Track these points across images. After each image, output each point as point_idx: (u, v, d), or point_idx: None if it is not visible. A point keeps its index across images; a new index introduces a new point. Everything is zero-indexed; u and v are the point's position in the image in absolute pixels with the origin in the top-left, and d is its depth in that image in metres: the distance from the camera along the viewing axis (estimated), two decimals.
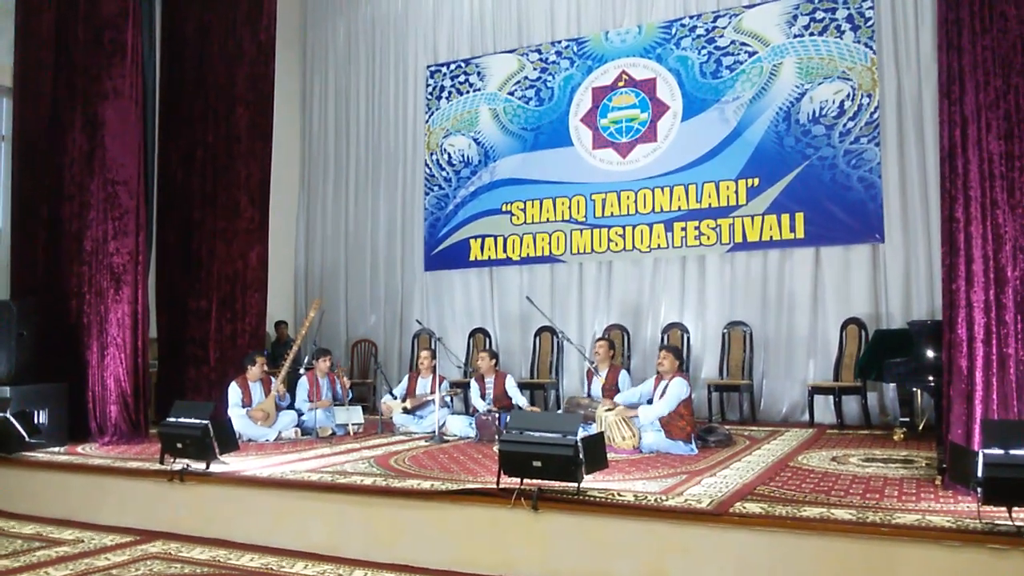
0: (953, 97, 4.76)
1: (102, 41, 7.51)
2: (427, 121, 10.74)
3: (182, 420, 5.58)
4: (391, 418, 7.87)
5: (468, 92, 10.50)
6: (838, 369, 8.08)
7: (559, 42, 10.00)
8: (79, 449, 6.71)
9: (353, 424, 7.59)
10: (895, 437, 6.76)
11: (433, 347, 7.94)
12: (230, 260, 8.27)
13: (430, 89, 10.76)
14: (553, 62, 9.99)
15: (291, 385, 7.80)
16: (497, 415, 7.07)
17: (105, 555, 4.76)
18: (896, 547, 3.71)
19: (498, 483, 4.55)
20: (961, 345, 4.53)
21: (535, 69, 10.09)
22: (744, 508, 4.14)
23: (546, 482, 4.46)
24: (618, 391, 7.00)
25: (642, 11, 9.59)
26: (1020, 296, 4.45)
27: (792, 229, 8.55)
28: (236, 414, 7.15)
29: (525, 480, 4.47)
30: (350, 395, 8.12)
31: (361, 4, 11.34)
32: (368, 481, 5.04)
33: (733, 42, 9.01)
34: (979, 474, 3.68)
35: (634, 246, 9.31)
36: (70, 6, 7.75)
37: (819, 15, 8.61)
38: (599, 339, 7.83)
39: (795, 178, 8.58)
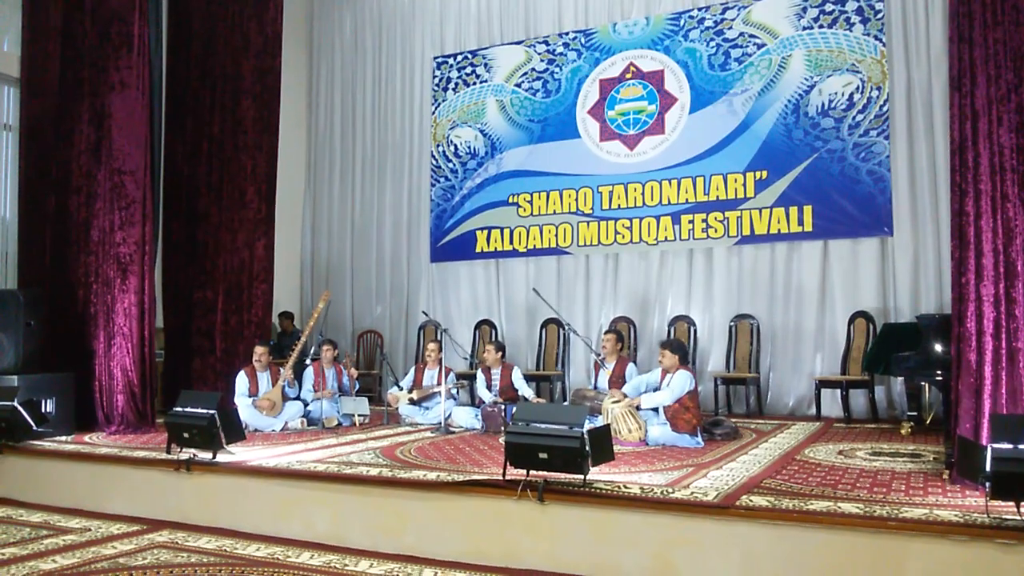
0: (964, 90, 4.72)
1: (109, 33, 7.50)
2: (434, 113, 10.72)
3: (189, 410, 5.60)
4: (397, 409, 7.88)
5: (475, 84, 10.47)
6: (845, 362, 8.06)
7: (566, 33, 9.96)
8: (86, 438, 6.73)
9: (359, 415, 7.59)
10: (902, 431, 6.75)
11: (439, 339, 7.94)
12: (236, 251, 8.30)
13: (437, 80, 10.74)
14: (560, 54, 9.96)
15: (297, 376, 7.81)
16: (503, 407, 7.07)
17: (112, 544, 4.78)
18: (903, 541, 3.70)
19: (504, 475, 4.55)
20: (970, 339, 4.51)
21: (542, 61, 10.06)
22: (750, 501, 4.12)
23: (552, 474, 4.46)
24: (625, 383, 6.99)
25: (650, 3, 9.55)
26: None
27: (800, 222, 8.51)
28: (242, 404, 7.18)
29: (531, 472, 4.47)
30: (356, 386, 8.12)
31: None
32: (374, 472, 5.04)
33: (742, 34, 8.97)
34: (987, 468, 3.66)
35: (641, 238, 9.29)
36: None
37: (828, 7, 8.55)
38: (607, 332, 7.81)
39: (803, 171, 8.55)
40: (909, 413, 7.03)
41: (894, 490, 4.43)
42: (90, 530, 5.11)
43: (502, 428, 6.40)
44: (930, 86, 8.09)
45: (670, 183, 9.17)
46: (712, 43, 9.11)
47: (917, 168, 8.13)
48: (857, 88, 8.38)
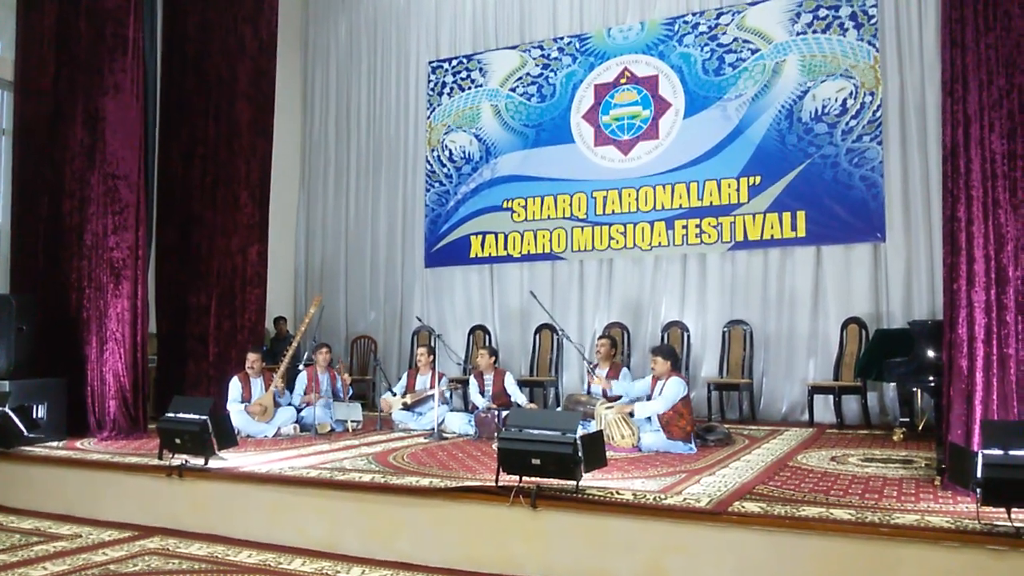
0: (956, 96, 4.74)
1: (104, 36, 7.49)
2: (428, 117, 10.72)
3: (181, 415, 5.57)
4: (390, 415, 7.86)
5: (470, 88, 10.48)
6: (838, 368, 8.07)
7: (561, 38, 9.98)
8: (78, 444, 6.71)
9: (352, 421, 7.58)
10: (895, 437, 6.75)
11: (432, 344, 7.93)
12: (230, 256, 8.27)
13: (432, 85, 10.74)
14: (555, 58, 9.97)
15: (290, 381, 7.79)
16: (496, 412, 7.06)
17: (103, 550, 4.76)
18: (895, 547, 3.70)
19: (497, 481, 4.55)
20: (962, 345, 4.52)
21: (537, 65, 10.07)
22: (743, 507, 4.13)
23: (545, 480, 4.45)
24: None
25: (645, 8, 9.57)
26: (1021, 296, 4.43)
27: (793, 228, 8.53)
28: (235, 409, 7.14)
29: (524, 478, 4.46)
30: (350, 391, 8.10)
31: (363, 0, 11.33)
32: (367, 478, 5.03)
33: (736, 39, 8.99)
34: (978, 475, 3.67)
35: (635, 244, 9.29)
36: (72, 1, 7.74)
37: (822, 13, 8.58)
38: (601, 337, 7.82)
39: (797, 176, 8.56)
40: (901, 419, 7.05)
41: (886, 496, 4.43)
42: (81, 536, 5.09)
43: (495, 434, 6.39)
44: (923, 92, 8.12)
45: (664, 188, 9.18)
46: (706, 48, 9.13)
47: (910, 174, 8.15)
48: (850, 94, 8.40)
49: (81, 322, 7.32)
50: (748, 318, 8.66)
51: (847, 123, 8.38)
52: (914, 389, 6.81)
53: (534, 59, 10.10)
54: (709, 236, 8.92)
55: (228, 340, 8.19)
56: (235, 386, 7.35)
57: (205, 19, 8.56)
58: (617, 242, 9.39)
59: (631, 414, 6.32)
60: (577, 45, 9.87)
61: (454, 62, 10.61)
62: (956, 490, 4.38)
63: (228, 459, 5.65)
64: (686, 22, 9.28)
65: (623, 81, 9.56)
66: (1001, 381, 4.40)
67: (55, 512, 5.69)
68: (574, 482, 4.38)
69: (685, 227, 9.04)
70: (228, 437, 5.71)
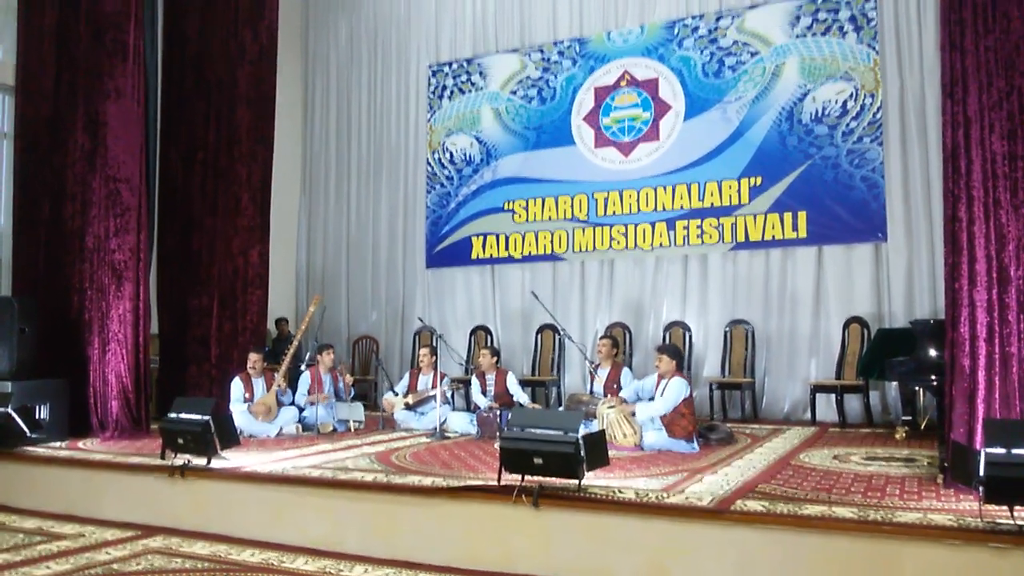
0: (956, 97, 4.75)
1: (104, 40, 7.51)
2: (429, 120, 10.74)
3: (183, 416, 5.58)
4: (392, 415, 7.87)
5: (470, 91, 10.50)
6: (840, 368, 8.08)
7: (561, 42, 10.00)
8: (80, 444, 6.71)
9: (354, 421, 7.59)
10: (897, 436, 6.76)
11: (434, 344, 7.95)
12: (231, 258, 8.28)
13: (432, 88, 10.76)
14: (555, 62, 9.99)
15: (292, 381, 7.80)
16: (498, 412, 7.07)
17: (106, 549, 4.76)
18: (897, 546, 3.71)
19: (499, 480, 4.55)
20: (964, 344, 4.53)
21: (537, 69, 10.09)
22: (745, 506, 4.13)
23: (547, 479, 4.45)
24: (620, 389, 7.00)
25: (644, 11, 9.59)
26: (1023, 296, 4.44)
27: (794, 228, 8.54)
28: (237, 409, 7.15)
29: (526, 477, 4.47)
30: (352, 392, 8.11)
31: (363, 4, 11.35)
32: (369, 477, 5.04)
33: (736, 42, 9.01)
34: (981, 473, 3.67)
35: (636, 245, 9.31)
36: (72, 5, 7.75)
37: (822, 15, 8.60)
38: (602, 337, 7.83)
39: (798, 177, 8.58)
40: (904, 418, 7.07)
41: (888, 494, 4.44)
42: (84, 536, 5.10)
43: (497, 433, 6.40)
44: (923, 93, 8.14)
45: (665, 189, 9.20)
46: (706, 51, 9.15)
47: (910, 174, 8.17)
48: (851, 95, 8.42)
49: (83, 324, 7.33)
50: (750, 318, 8.67)
51: (847, 125, 8.40)
52: (916, 388, 6.82)
53: (534, 62, 10.12)
54: (710, 237, 8.94)
55: (230, 341, 8.20)
56: (237, 386, 7.36)
57: (205, 24, 8.59)
58: (618, 243, 9.40)
59: (633, 414, 6.33)
60: (577, 48, 9.89)
61: (454, 65, 10.63)
62: (958, 488, 4.39)
63: (230, 459, 5.65)
64: (686, 25, 9.30)
65: (623, 84, 9.58)
66: (1003, 380, 4.40)
67: (58, 512, 5.69)
68: (576, 481, 4.39)
69: (686, 228, 9.05)
70: (231, 437, 5.72)
